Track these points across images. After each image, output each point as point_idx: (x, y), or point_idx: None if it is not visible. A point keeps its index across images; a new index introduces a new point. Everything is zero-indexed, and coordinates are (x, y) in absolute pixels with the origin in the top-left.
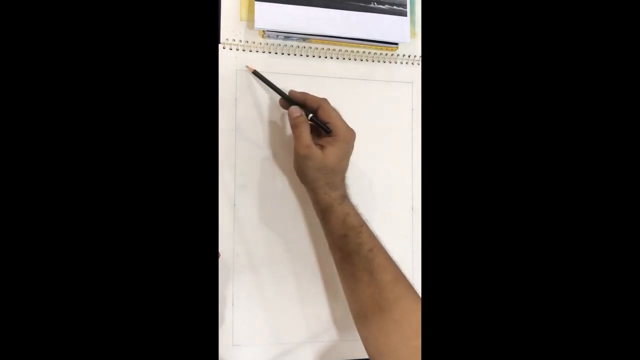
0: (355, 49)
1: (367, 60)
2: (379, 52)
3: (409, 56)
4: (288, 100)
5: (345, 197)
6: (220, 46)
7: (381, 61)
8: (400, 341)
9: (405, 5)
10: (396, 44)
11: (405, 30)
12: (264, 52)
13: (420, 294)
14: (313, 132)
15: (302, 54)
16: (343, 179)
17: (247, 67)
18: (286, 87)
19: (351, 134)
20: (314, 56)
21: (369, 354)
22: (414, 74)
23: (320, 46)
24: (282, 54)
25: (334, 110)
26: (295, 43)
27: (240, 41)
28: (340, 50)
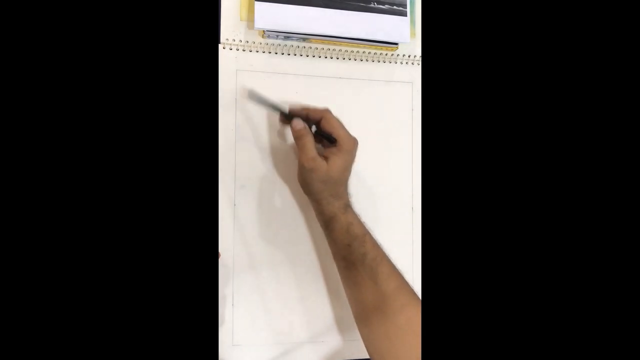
0: (355, 49)
1: (367, 60)
2: (379, 52)
3: (408, 56)
4: (289, 117)
5: (348, 206)
6: (220, 46)
7: (381, 61)
8: (404, 347)
9: (405, 5)
10: (396, 44)
11: (405, 30)
12: (264, 52)
13: (420, 295)
14: (315, 143)
15: (302, 54)
16: (346, 187)
17: (243, 88)
18: (286, 87)
19: (354, 143)
20: (314, 56)
21: (371, 358)
22: (414, 74)
23: (320, 46)
24: (282, 54)
25: (337, 119)
26: (295, 43)
27: (240, 41)
28: (340, 50)
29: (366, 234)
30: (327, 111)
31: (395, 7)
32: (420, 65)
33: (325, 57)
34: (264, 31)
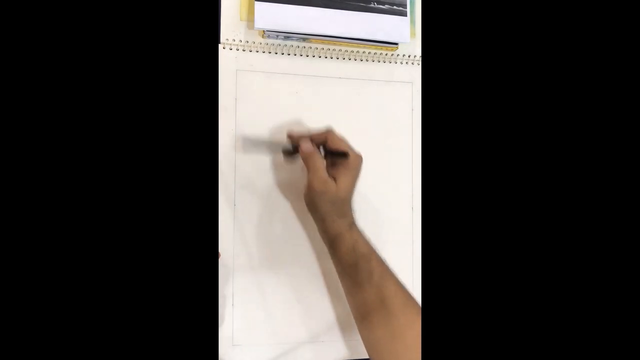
0: (355, 49)
1: (367, 60)
2: (379, 52)
3: (408, 56)
4: (293, 150)
5: (353, 224)
6: (220, 46)
7: (381, 61)
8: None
9: (405, 5)
10: (396, 44)
11: (405, 30)
12: (264, 52)
13: (420, 295)
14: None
15: (302, 54)
16: (351, 205)
17: (243, 138)
18: (286, 87)
19: (360, 159)
20: (314, 56)
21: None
22: (414, 74)
23: (320, 46)
24: (282, 54)
25: (342, 137)
26: (295, 43)
27: (240, 41)
28: (340, 50)
29: (372, 252)
30: (330, 132)
31: (395, 7)
32: (420, 65)
33: (325, 57)
34: (264, 31)
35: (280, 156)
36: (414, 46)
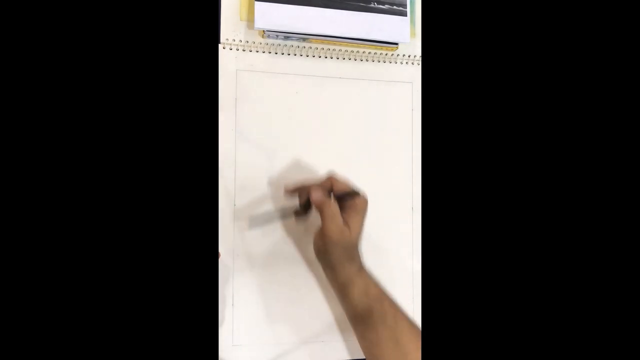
0: (355, 49)
1: (367, 60)
2: (379, 52)
3: (409, 56)
4: (299, 211)
5: (362, 267)
6: (220, 46)
7: (381, 61)
8: None
9: (405, 5)
10: (396, 44)
11: (405, 30)
12: (264, 52)
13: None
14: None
15: (302, 54)
16: (359, 248)
17: (249, 218)
18: (286, 87)
19: (366, 200)
20: (314, 56)
21: None
22: (414, 74)
23: (320, 46)
24: (282, 54)
25: (344, 180)
26: (295, 43)
27: (240, 41)
28: (340, 50)
29: (383, 292)
30: (333, 178)
31: (395, 7)
32: (420, 65)
33: (325, 57)
34: (264, 31)
35: (291, 219)
36: (414, 46)
